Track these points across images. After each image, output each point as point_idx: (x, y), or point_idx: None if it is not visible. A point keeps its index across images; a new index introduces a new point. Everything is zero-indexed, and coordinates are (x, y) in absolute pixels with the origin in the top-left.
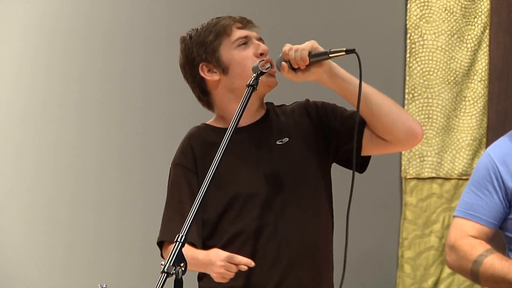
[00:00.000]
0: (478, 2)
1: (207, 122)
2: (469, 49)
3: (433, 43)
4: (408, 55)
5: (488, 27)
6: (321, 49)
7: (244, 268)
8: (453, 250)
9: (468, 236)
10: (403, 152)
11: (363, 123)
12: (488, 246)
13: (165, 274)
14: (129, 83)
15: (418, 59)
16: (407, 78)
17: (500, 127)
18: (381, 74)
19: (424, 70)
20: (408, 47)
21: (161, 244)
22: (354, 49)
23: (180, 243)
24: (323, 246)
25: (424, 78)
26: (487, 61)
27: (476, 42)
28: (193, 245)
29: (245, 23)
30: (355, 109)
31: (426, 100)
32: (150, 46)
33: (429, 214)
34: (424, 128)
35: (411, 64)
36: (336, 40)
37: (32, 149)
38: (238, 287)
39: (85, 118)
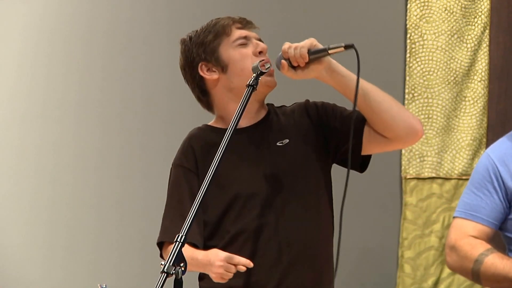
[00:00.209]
0: (478, 2)
1: (208, 123)
2: (469, 49)
3: (433, 43)
4: (408, 55)
5: (488, 27)
6: (320, 46)
7: (243, 268)
8: (454, 250)
9: (469, 236)
10: (403, 152)
11: (363, 121)
12: (488, 246)
13: (165, 274)
14: (129, 83)
15: (418, 59)
16: (407, 78)
17: (500, 127)
18: (381, 74)
19: (424, 70)
20: (408, 47)
21: (161, 244)
22: (353, 44)
23: (180, 243)
24: (323, 246)
25: (424, 78)
26: (487, 61)
27: (476, 42)
28: (195, 245)
29: (245, 24)
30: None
31: (426, 100)
32: (150, 46)
33: (429, 214)
34: (424, 128)
35: (411, 64)
36: (336, 40)
37: (32, 149)
38: (238, 287)
39: (85, 119)
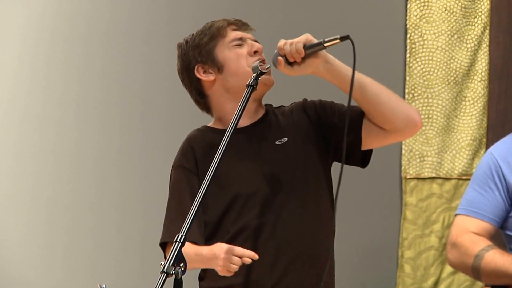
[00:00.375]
0: (478, 2)
1: (207, 125)
2: (469, 49)
3: (433, 43)
4: (408, 55)
5: (488, 27)
6: (316, 41)
7: (248, 260)
8: (455, 247)
9: (470, 233)
10: (403, 152)
11: (361, 114)
12: (489, 242)
13: (165, 274)
14: (128, 83)
15: (418, 59)
16: (407, 78)
17: (500, 127)
18: (381, 74)
19: (424, 70)
20: (408, 47)
21: (164, 245)
22: (348, 35)
23: (180, 243)
24: (324, 245)
25: (424, 78)
26: (487, 61)
27: (476, 42)
28: (196, 244)
29: (240, 25)
30: (354, 103)
31: (426, 100)
32: (149, 46)
33: (429, 214)
34: (424, 128)
35: (411, 64)
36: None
37: (32, 149)
38: (238, 285)
39: (85, 119)
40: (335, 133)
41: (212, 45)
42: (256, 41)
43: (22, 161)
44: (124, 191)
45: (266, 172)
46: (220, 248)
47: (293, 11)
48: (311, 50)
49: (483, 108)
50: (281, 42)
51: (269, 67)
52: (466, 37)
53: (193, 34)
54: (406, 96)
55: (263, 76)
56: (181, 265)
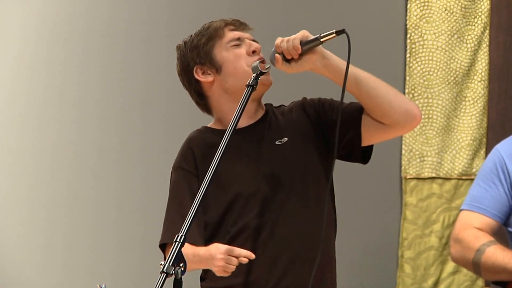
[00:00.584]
0: (478, 2)
1: (207, 125)
2: (469, 49)
3: (433, 43)
4: (408, 55)
5: (488, 27)
6: (312, 37)
7: (245, 260)
8: (457, 241)
9: (473, 228)
10: (403, 152)
11: (360, 110)
12: (491, 238)
13: (165, 275)
14: (128, 83)
15: (418, 59)
16: (407, 78)
17: (500, 127)
18: (381, 74)
19: (424, 70)
20: (408, 47)
21: (163, 246)
22: (344, 29)
23: (180, 243)
24: (325, 245)
25: (424, 78)
26: (487, 61)
27: (476, 42)
28: (193, 245)
29: (238, 25)
30: (353, 101)
31: (426, 100)
32: (149, 46)
33: (429, 214)
34: (424, 128)
35: (411, 64)
36: (336, 39)
37: (31, 149)
38: (238, 285)
39: (84, 119)
40: (335, 131)
41: (210, 46)
42: (254, 40)
43: (21, 161)
44: (124, 192)
45: (266, 172)
46: (216, 248)
47: (293, 12)
48: (308, 46)
49: (483, 108)
50: (278, 40)
51: (269, 67)
52: (466, 37)
53: (191, 36)
54: (406, 96)
55: (262, 77)
56: (181, 265)
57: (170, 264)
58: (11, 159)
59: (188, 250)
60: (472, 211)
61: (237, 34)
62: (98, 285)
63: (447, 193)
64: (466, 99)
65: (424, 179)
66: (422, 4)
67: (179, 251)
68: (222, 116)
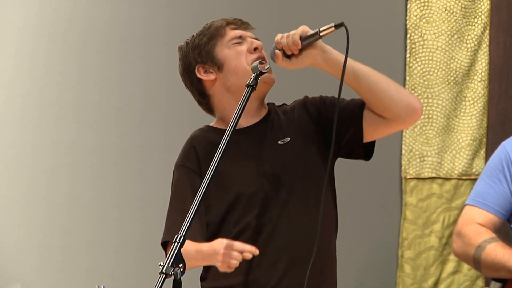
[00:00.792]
0: (478, 2)
1: (209, 124)
2: (469, 49)
3: (433, 43)
4: (408, 55)
5: (488, 27)
6: (312, 32)
7: (249, 256)
8: (459, 236)
9: (475, 223)
10: (403, 152)
11: (361, 106)
12: (493, 234)
13: (164, 275)
14: (127, 83)
15: (418, 59)
16: (407, 78)
17: (500, 127)
18: None
19: (424, 70)
20: (408, 47)
21: (165, 244)
22: (343, 22)
23: (179, 244)
24: (325, 244)
25: (424, 78)
26: (487, 61)
27: (476, 42)
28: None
29: (239, 24)
30: (354, 97)
31: (426, 100)
32: (149, 46)
33: (429, 214)
34: (424, 128)
35: (411, 64)
36: (336, 39)
37: (29, 149)
38: (238, 285)
39: (83, 119)
40: (336, 128)
41: (212, 44)
42: (256, 39)
43: (20, 161)
44: (123, 192)
45: (268, 172)
46: (220, 243)
47: (293, 12)
48: (308, 41)
49: (483, 108)
50: (278, 36)
51: (269, 67)
52: (466, 37)
53: (193, 36)
54: None
55: (265, 75)
56: (180, 265)
57: (169, 264)
58: (10, 159)
59: (191, 247)
60: (476, 207)
61: (238, 32)
62: (97, 285)
63: (447, 193)
64: (466, 99)
65: (424, 179)
66: (422, 4)
67: (178, 252)
68: (224, 115)
